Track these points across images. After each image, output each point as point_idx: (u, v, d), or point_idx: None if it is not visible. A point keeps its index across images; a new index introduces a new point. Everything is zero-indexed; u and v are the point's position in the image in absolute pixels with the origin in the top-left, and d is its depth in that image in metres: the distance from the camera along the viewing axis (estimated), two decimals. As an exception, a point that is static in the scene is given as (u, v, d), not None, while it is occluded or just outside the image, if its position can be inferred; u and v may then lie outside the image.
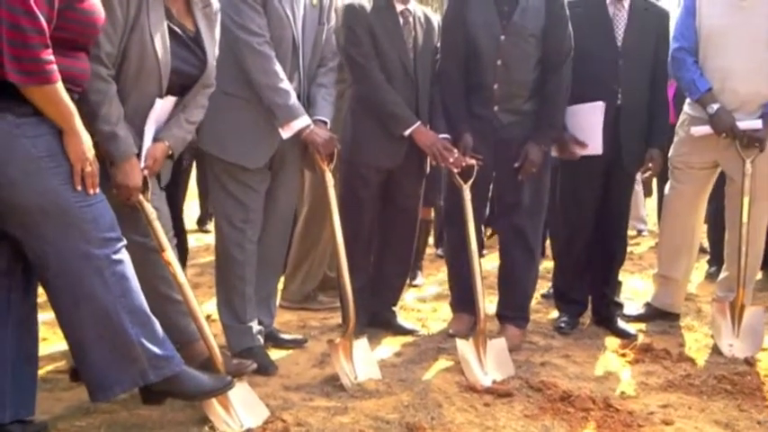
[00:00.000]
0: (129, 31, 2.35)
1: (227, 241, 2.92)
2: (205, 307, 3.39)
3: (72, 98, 2.08)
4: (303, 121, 2.81)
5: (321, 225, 3.76)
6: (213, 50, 2.61)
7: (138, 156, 2.40)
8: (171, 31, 2.46)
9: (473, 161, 3.20)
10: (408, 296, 4.17)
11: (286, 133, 2.81)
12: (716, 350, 3.32)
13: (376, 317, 3.46)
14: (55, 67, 1.96)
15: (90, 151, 2.09)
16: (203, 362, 2.52)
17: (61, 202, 2.02)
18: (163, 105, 2.46)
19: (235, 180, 2.86)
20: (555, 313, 3.80)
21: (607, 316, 3.64)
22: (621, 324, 3.60)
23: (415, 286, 4.46)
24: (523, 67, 3.21)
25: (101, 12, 2.17)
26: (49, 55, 1.94)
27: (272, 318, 3.20)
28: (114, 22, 2.30)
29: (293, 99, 2.78)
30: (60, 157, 2.02)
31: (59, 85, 1.98)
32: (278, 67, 2.76)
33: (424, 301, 4.14)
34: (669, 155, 3.70)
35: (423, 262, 4.83)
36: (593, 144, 3.34)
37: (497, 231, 3.65)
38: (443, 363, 3.10)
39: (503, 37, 3.17)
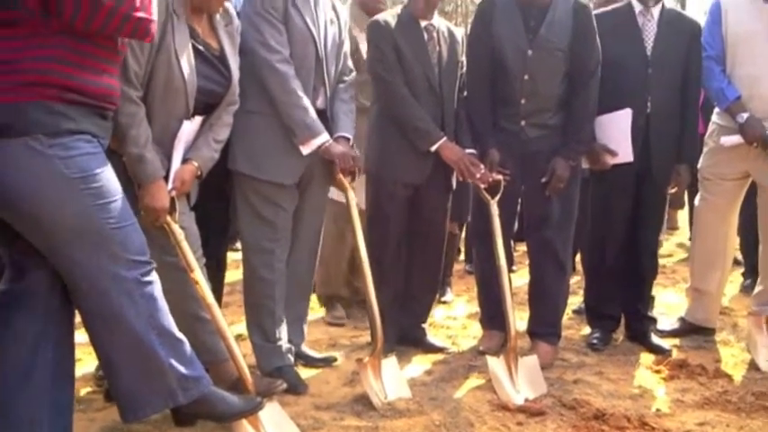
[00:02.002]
0: (156, 52, 2.38)
1: (255, 261, 2.92)
2: (234, 326, 3.39)
3: (107, 117, 2.10)
4: (322, 138, 2.81)
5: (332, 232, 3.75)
6: (236, 68, 2.63)
7: (166, 177, 2.41)
8: (196, 51, 2.49)
9: (500, 176, 3.18)
10: (438, 313, 4.14)
11: (305, 150, 2.81)
12: (753, 365, 3.25)
13: (405, 334, 3.44)
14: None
15: None
16: (233, 382, 2.52)
17: (93, 223, 2.03)
18: (190, 126, 2.48)
19: (264, 199, 2.87)
20: (587, 329, 3.74)
21: (640, 331, 3.58)
22: (655, 339, 3.54)
23: (444, 303, 4.43)
24: (551, 82, 3.19)
25: None
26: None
27: (302, 337, 3.19)
28: (141, 43, 2.32)
29: (312, 116, 2.78)
30: (93, 178, 2.03)
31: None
32: (296, 85, 2.76)
33: (453, 318, 4.10)
34: (699, 165, 3.65)
35: (452, 278, 4.80)
36: (624, 152, 3.31)
37: (527, 246, 3.62)
38: (474, 381, 3.06)
39: (530, 51, 3.15)
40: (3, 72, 1.95)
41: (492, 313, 3.40)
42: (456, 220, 4.17)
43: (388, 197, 3.26)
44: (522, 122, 3.22)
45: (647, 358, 3.39)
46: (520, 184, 3.29)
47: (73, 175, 1.99)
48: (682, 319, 3.79)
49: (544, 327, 3.37)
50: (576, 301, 4.13)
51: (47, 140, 1.97)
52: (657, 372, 3.21)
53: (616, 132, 3.31)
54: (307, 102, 2.77)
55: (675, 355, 3.41)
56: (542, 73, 3.17)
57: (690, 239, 4.44)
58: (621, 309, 3.63)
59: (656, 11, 3.38)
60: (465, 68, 3.32)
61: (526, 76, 3.17)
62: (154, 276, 2.15)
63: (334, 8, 3.01)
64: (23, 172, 1.96)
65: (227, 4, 2.64)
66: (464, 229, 4.86)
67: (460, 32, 3.40)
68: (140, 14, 1.99)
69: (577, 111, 3.22)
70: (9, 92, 1.95)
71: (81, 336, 2.35)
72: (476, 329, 3.71)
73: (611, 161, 3.34)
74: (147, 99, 2.39)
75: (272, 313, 2.92)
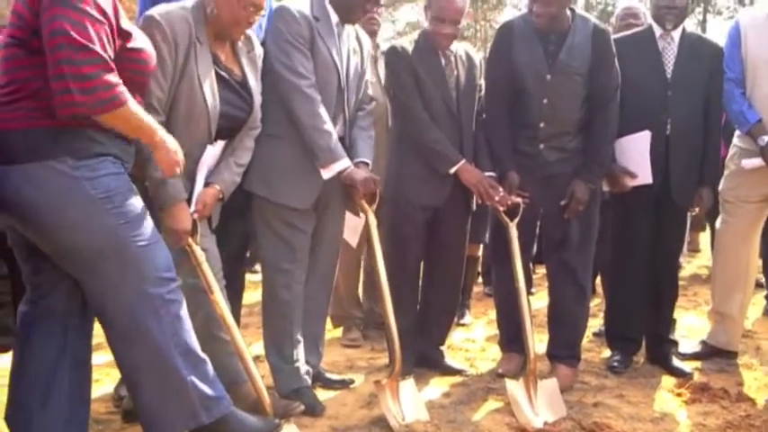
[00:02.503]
0: (179, 78, 2.42)
1: (274, 282, 2.94)
2: (253, 347, 3.41)
3: (131, 141, 2.14)
4: (343, 163, 2.84)
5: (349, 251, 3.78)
6: (258, 93, 2.67)
7: (188, 200, 2.45)
8: (219, 77, 2.53)
9: (519, 199, 3.18)
10: (456, 335, 4.12)
11: (326, 174, 2.84)
12: (776, 389, 3.21)
13: (424, 357, 3.43)
14: (122, 88, 1.98)
15: (179, 152, 2.16)
16: (251, 403, 2.53)
17: (119, 242, 2.06)
18: (213, 151, 2.52)
19: (282, 221, 2.89)
20: (607, 352, 3.71)
21: (662, 354, 3.55)
22: (677, 362, 3.51)
23: (463, 325, 4.41)
24: (570, 106, 3.21)
25: (153, 53, 2.24)
26: (114, 77, 1.97)
27: (319, 358, 3.20)
28: (164, 70, 2.38)
29: (335, 141, 2.81)
30: (118, 198, 2.07)
31: (131, 104, 2.01)
32: (322, 110, 2.80)
33: (472, 341, 4.09)
34: (720, 188, 3.63)
35: (471, 300, 4.79)
36: (643, 174, 3.31)
37: (546, 268, 3.61)
38: (493, 404, 3.05)
39: (549, 76, 3.17)
40: (31, 98, 2.01)
41: (511, 336, 3.39)
42: (475, 242, 4.17)
43: (407, 220, 3.27)
44: (541, 146, 3.23)
45: (668, 381, 3.36)
46: (539, 206, 3.29)
47: (99, 196, 2.03)
48: (704, 342, 3.75)
49: (564, 349, 3.35)
50: (596, 323, 4.10)
51: (74, 162, 2.01)
52: (679, 395, 3.18)
53: (635, 154, 3.31)
54: (331, 127, 2.81)
55: (697, 378, 3.38)
56: (561, 97, 3.19)
57: (711, 262, 4.40)
58: (642, 331, 3.60)
59: (676, 34, 3.39)
60: (483, 92, 3.34)
61: (545, 101, 3.18)
62: (179, 295, 2.18)
63: (357, 38, 3.05)
64: (51, 193, 2.00)
65: (249, 32, 2.69)
66: (482, 251, 4.85)
67: (479, 56, 3.42)
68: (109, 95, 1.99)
69: (597, 134, 3.23)
70: (37, 117, 2.00)
71: (100, 356, 2.38)
72: (495, 352, 3.70)
73: (631, 183, 3.33)
74: (170, 124, 2.43)
75: (289, 334, 2.94)
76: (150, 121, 2.10)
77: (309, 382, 3.01)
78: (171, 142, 2.15)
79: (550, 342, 3.42)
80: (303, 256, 2.95)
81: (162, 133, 2.12)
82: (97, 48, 1.95)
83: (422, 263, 3.41)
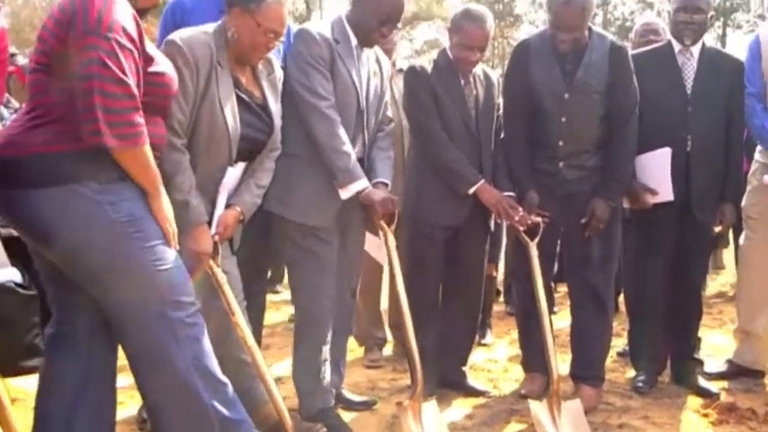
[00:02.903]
0: (200, 102, 2.45)
1: (304, 297, 2.93)
2: (274, 369, 3.41)
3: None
4: (361, 183, 2.84)
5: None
6: (278, 115, 2.70)
7: (209, 222, 2.47)
8: (239, 99, 2.56)
9: (539, 219, 3.17)
10: (479, 355, 4.09)
11: (344, 194, 2.84)
12: (806, 409, 3.15)
13: (445, 378, 3.41)
14: (144, 129, 2.03)
15: (171, 211, 2.17)
16: (273, 426, 2.53)
17: (140, 265, 2.07)
18: (234, 173, 2.55)
19: (306, 235, 2.88)
20: (632, 372, 3.66)
21: (687, 374, 3.50)
22: (703, 382, 3.45)
23: (485, 345, 4.39)
24: (589, 124, 3.20)
25: (174, 76, 2.26)
26: (140, 117, 2.02)
27: (341, 379, 3.19)
28: (185, 93, 2.41)
29: (353, 162, 2.83)
30: (140, 222, 2.08)
31: (148, 148, 2.05)
32: (342, 131, 2.81)
33: (494, 361, 4.06)
34: (742, 204, 3.60)
35: (491, 319, 4.77)
36: (664, 191, 3.29)
37: (568, 287, 3.59)
38: (516, 425, 3.02)
39: (567, 94, 3.17)
40: (55, 122, 2.04)
41: (534, 356, 3.36)
42: (491, 261, 4.17)
43: (426, 240, 3.27)
44: (561, 164, 3.23)
45: (694, 402, 3.31)
46: (559, 225, 3.27)
47: (121, 219, 2.05)
48: (729, 362, 3.70)
49: (587, 369, 3.32)
50: (620, 343, 4.06)
51: (97, 187, 2.03)
52: (705, 416, 3.14)
53: (656, 171, 3.29)
54: (350, 148, 2.82)
55: (724, 398, 3.33)
56: (580, 115, 3.18)
57: (736, 279, 4.35)
58: (667, 351, 3.56)
59: (695, 50, 3.37)
60: (501, 110, 3.34)
61: (563, 119, 3.18)
62: (198, 318, 2.18)
63: (377, 60, 3.07)
64: (73, 216, 2.02)
65: (269, 55, 2.71)
66: (500, 270, 4.83)
67: (496, 75, 3.43)
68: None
69: (616, 151, 3.22)
70: (62, 141, 2.02)
71: (124, 379, 2.39)
72: (517, 372, 3.67)
73: (652, 200, 3.31)
74: (191, 146, 2.46)
75: (318, 350, 2.91)
76: (157, 172, 2.13)
77: (332, 402, 3.00)
78: (168, 207, 2.16)
79: (573, 362, 3.39)
80: (331, 268, 2.93)
81: (162, 189, 2.15)
82: (131, 82, 1.99)
83: (441, 284, 3.40)
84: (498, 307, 5.21)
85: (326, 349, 2.95)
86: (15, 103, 4.51)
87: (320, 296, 2.90)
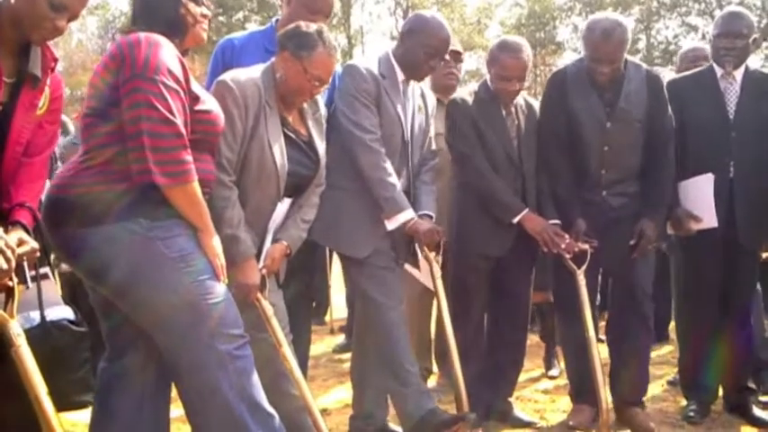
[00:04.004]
0: (249, 140, 2.53)
1: (377, 318, 2.94)
2: (319, 401, 3.42)
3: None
4: (408, 214, 2.89)
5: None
6: (323, 152, 2.77)
7: (257, 255, 2.52)
8: (286, 137, 2.63)
9: (586, 246, 3.15)
10: (526, 386, 4.05)
11: (391, 225, 2.89)
12: None
13: (492, 408, 3.38)
14: (193, 167, 2.10)
15: (220, 246, 2.23)
16: (320, 457, 2.54)
17: (191, 299, 2.13)
18: (281, 208, 2.62)
19: (361, 265, 2.93)
20: (683, 401, 3.59)
21: (741, 403, 3.42)
22: (757, 411, 3.37)
23: (551, 378, 4.30)
24: (631, 152, 3.22)
25: (220, 114, 2.33)
26: (188, 155, 2.09)
27: (387, 410, 3.18)
28: (234, 131, 2.49)
29: (399, 192, 2.88)
30: (190, 257, 2.14)
31: (196, 184, 2.12)
32: (387, 163, 2.87)
33: (543, 392, 4.01)
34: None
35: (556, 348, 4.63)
36: (708, 217, 3.25)
37: (610, 314, 3.56)
38: (564, 457, 2.98)
39: (609, 124, 3.18)
40: (107, 163, 2.12)
41: (581, 386, 3.33)
42: (545, 288, 4.17)
43: (471, 270, 3.28)
44: (604, 192, 3.23)
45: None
46: (600, 255, 3.23)
47: (172, 255, 2.11)
48: (785, 391, 3.60)
49: (637, 394, 3.33)
50: (671, 371, 3.98)
51: (147, 223, 2.10)
52: (760, 446, 3.06)
53: (699, 197, 3.26)
54: (395, 179, 2.88)
55: (779, 428, 3.24)
56: (622, 144, 3.19)
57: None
58: (718, 379, 3.48)
59: (738, 73, 3.34)
60: (540, 139, 3.32)
61: (606, 148, 3.19)
62: (247, 351, 2.22)
63: (422, 96, 3.13)
64: (126, 252, 2.09)
65: (314, 95, 2.79)
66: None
67: (537, 104, 3.43)
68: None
69: (659, 176, 3.22)
70: (114, 180, 2.10)
71: (174, 410, 2.43)
72: (565, 403, 3.63)
73: (696, 227, 3.28)
74: (241, 183, 2.54)
75: (400, 354, 2.92)
76: (206, 209, 2.19)
77: (435, 402, 2.98)
78: (217, 242, 2.22)
79: (622, 389, 3.33)
80: (395, 290, 2.95)
81: (211, 225, 2.21)
82: (178, 122, 2.07)
83: (486, 312, 3.39)
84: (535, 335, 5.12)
85: (409, 356, 2.94)
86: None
87: (387, 311, 2.91)
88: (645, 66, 3.31)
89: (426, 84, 3.38)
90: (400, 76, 2.99)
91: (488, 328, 3.42)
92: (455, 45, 3.79)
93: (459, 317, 3.09)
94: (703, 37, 27.63)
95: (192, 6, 2.26)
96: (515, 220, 3.19)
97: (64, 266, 3.64)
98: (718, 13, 3.40)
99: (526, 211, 3.19)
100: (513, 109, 3.28)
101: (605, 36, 3.05)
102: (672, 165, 3.23)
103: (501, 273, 3.31)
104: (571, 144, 3.23)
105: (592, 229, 3.19)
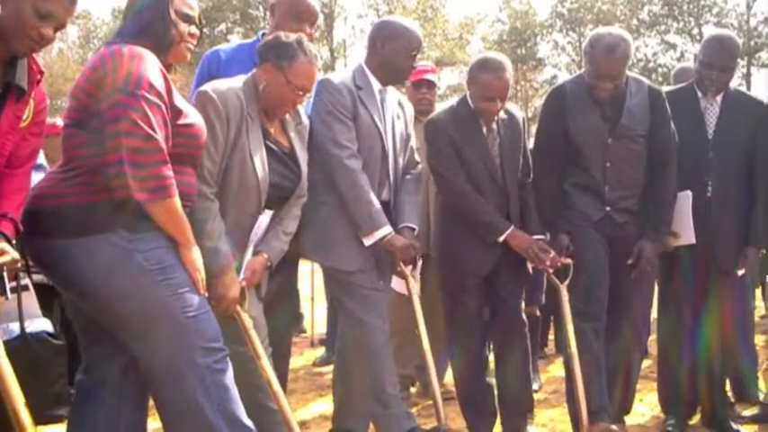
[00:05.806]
0: (230, 151, 2.52)
1: (361, 338, 2.93)
2: (298, 414, 3.40)
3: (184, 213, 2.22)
4: (384, 230, 2.89)
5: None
6: (305, 164, 2.76)
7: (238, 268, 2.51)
8: (268, 149, 2.63)
9: (569, 260, 3.14)
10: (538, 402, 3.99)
11: (368, 241, 2.89)
12: (843, 455, 3.08)
13: (506, 428, 3.28)
14: (174, 181, 2.10)
15: (200, 259, 2.22)
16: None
17: (169, 312, 2.12)
18: (263, 220, 2.61)
19: (344, 278, 2.94)
20: (661, 415, 3.60)
21: (718, 418, 3.43)
22: (735, 426, 3.38)
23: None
24: (634, 168, 3.19)
25: (203, 127, 2.33)
26: (168, 171, 2.08)
27: (366, 428, 3.17)
28: (216, 143, 2.48)
29: (375, 209, 2.87)
30: (169, 270, 2.13)
31: (177, 199, 2.11)
32: (363, 180, 2.86)
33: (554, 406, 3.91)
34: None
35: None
36: (686, 234, 3.27)
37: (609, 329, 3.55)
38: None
39: (611, 140, 3.15)
40: (88, 174, 2.11)
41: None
42: (536, 303, 4.21)
43: (461, 290, 3.19)
44: (608, 209, 3.20)
45: (726, 447, 3.25)
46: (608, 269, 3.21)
47: (151, 267, 2.10)
48: (763, 405, 3.63)
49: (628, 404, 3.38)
50: (648, 385, 4.00)
51: (128, 235, 2.09)
52: (737, 461, 3.07)
53: (677, 214, 3.26)
54: (372, 196, 2.87)
55: (756, 443, 3.26)
56: (625, 160, 3.17)
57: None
58: (697, 394, 3.49)
59: (719, 95, 3.34)
60: (532, 154, 3.30)
61: (608, 164, 3.16)
62: (226, 364, 2.21)
63: (400, 104, 3.13)
64: (105, 264, 2.08)
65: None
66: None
67: (521, 115, 3.34)
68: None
69: (661, 193, 3.21)
70: (94, 191, 2.09)
71: (151, 423, 2.41)
72: (545, 417, 3.63)
73: (674, 243, 3.29)
74: (222, 195, 2.52)
75: (387, 375, 2.93)
76: (187, 223, 2.18)
77: (416, 422, 2.98)
78: (197, 256, 2.21)
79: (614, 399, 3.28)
80: (379, 309, 2.95)
81: (192, 239, 2.20)
82: (158, 137, 2.06)
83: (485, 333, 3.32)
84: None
85: (391, 378, 2.95)
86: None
87: (370, 332, 2.91)
88: (646, 81, 3.29)
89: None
90: (376, 85, 2.99)
91: (493, 348, 3.38)
92: (431, 76, 3.97)
93: (454, 337, 3.18)
94: (682, 55, 28.05)
95: (181, 25, 2.26)
96: (501, 239, 3.11)
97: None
98: (696, 32, 3.43)
99: (511, 228, 3.11)
100: (494, 126, 3.17)
101: (609, 52, 3.02)
102: (673, 182, 3.22)
103: (493, 291, 3.22)
104: (568, 160, 3.21)
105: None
